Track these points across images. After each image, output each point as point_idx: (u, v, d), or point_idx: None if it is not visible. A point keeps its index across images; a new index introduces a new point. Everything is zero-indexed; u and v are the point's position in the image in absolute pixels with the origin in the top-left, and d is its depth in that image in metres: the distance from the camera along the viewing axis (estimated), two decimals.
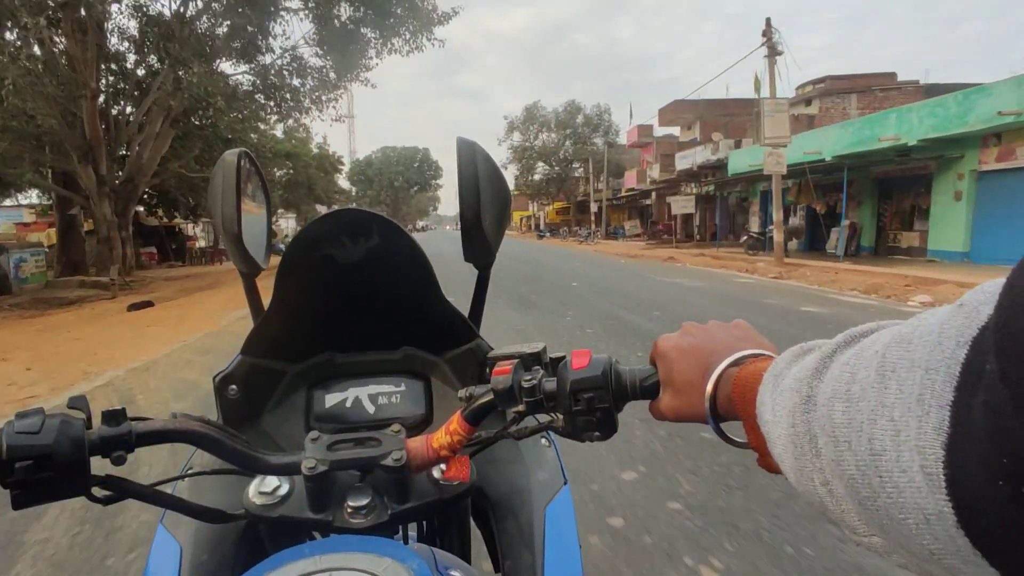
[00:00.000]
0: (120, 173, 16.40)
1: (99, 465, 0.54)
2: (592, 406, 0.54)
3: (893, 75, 26.60)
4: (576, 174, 48.74)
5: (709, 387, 0.47)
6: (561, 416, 0.56)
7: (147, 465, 3.03)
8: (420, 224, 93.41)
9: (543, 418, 0.59)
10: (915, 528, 0.26)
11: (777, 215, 15.44)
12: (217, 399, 0.78)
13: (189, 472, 0.71)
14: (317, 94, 18.02)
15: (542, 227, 53.40)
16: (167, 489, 0.68)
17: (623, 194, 41.27)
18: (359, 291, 0.77)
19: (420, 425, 0.79)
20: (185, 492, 0.75)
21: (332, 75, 17.67)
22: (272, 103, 17.58)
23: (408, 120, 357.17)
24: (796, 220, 21.12)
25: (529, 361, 0.59)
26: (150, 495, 0.59)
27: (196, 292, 14.09)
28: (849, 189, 17.12)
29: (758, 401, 0.40)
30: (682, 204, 24.77)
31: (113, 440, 0.54)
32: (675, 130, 36.17)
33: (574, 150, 46.93)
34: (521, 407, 0.58)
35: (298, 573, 0.48)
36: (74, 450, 0.52)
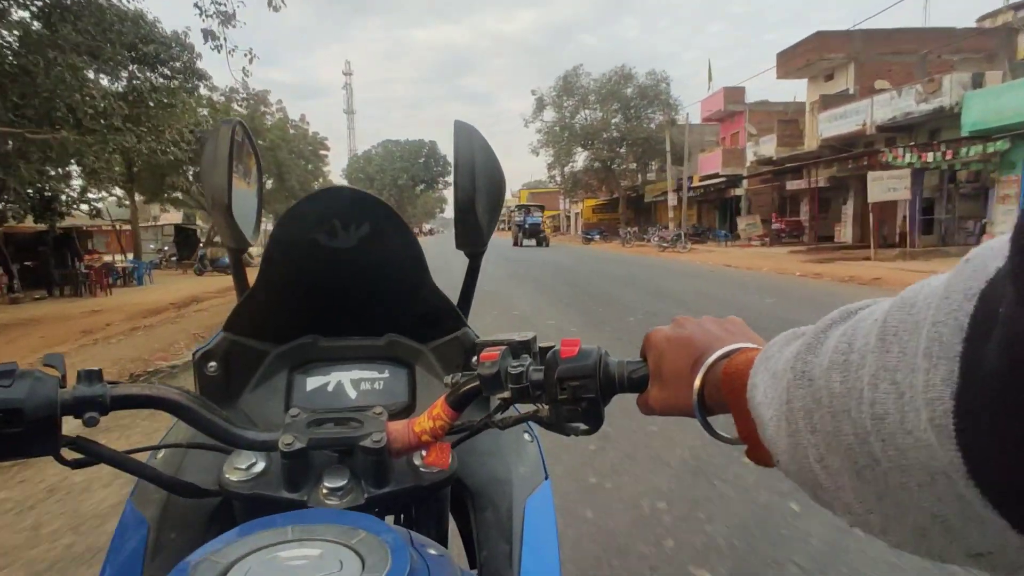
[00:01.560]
0: None
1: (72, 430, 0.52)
2: (578, 396, 0.54)
3: None
4: (625, 162, 38.43)
5: (698, 379, 0.47)
6: (547, 406, 0.56)
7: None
8: (427, 227, 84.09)
9: (528, 409, 0.59)
10: (918, 491, 0.25)
11: None
12: (195, 375, 0.76)
13: (164, 443, 0.69)
14: None
15: (587, 229, 42.77)
16: (140, 459, 0.64)
17: (696, 183, 31.01)
18: (347, 275, 0.77)
19: (402, 413, 0.78)
20: (158, 467, 0.71)
21: None
22: None
23: (413, 124, 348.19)
24: None
25: (518, 349, 0.59)
26: (121, 461, 0.58)
27: None
28: None
29: (749, 384, 0.40)
30: (888, 186, 14.39)
31: (86, 401, 0.54)
32: (776, 94, 26.16)
33: (626, 128, 36.46)
34: (507, 394, 0.57)
35: (267, 542, 0.45)
36: (45, 407, 0.51)
